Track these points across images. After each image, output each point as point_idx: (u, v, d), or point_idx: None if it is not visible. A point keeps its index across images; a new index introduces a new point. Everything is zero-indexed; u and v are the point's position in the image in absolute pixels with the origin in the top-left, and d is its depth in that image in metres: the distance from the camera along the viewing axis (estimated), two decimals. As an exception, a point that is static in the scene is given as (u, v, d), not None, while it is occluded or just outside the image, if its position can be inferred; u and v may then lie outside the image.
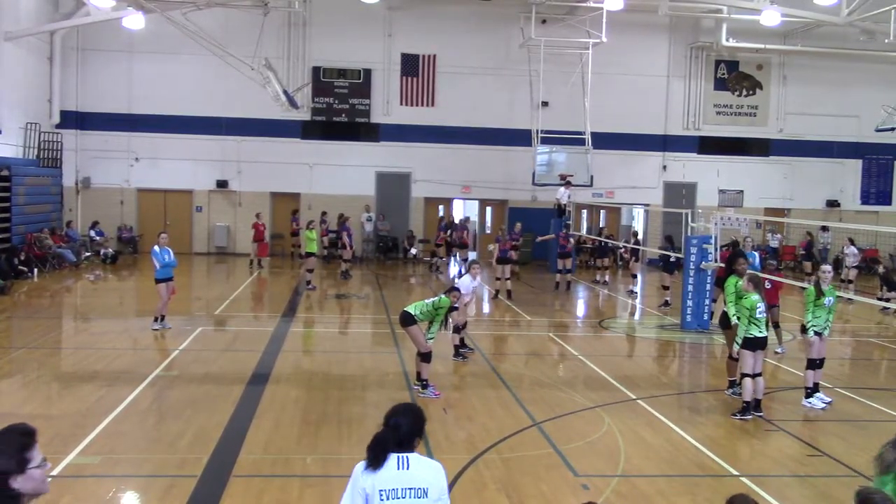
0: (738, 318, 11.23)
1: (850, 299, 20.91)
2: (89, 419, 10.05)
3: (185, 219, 32.14)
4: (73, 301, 22.05)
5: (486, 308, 21.41)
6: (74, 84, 30.74)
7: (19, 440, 3.27)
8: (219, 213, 32.28)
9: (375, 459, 4.16)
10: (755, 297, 11.00)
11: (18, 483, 3.19)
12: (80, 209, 31.12)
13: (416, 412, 4.41)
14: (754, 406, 11.01)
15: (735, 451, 9.77)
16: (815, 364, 11.74)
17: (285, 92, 27.15)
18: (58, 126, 30.17)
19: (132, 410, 10.59)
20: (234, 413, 10.61)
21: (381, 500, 4.10)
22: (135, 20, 27.54)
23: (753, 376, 10.98)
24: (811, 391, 11.73)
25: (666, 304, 21.28)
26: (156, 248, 16.26)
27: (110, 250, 28.90)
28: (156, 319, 16.30)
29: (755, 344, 11.00)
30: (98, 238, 29.62)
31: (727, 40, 32.20)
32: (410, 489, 4.09)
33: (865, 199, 35.40)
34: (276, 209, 32.59)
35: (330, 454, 9.19)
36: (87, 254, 28.63)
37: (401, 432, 4.22)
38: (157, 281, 16.24)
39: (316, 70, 31.94)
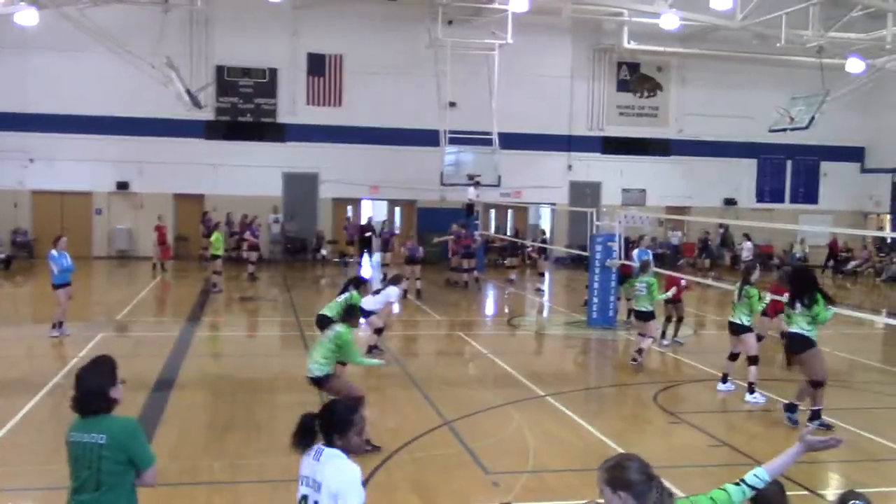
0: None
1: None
2: (-17, 431, 9.65)
3: (84, 222, 31.08)
4: (-36, 308, 21.09)
5: (395, 308, 21.38)
6: (-37, 81, 29.43)
7: (111, 363, 4.58)
8: (119, 216, 31.38)
9: (294, 445, 4.49)
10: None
11: (114, 393, 4.54)
12: (-30, 212, 29.79)
13: (332, 408, 4.52)
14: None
15: (640, 444, 9.98)
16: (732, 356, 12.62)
17: (188, 91, 26.56)
18: (-55, 125, 28.84)
19: (30, 421, 10.21)
20: (138, 420, 10.31)
21: (300, 482, 4.45)
22: (28, 15, 26.43)
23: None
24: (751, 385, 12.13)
25: None
26: (53, 252, 15.65)
27: (3, 255, 27.74)
28: (54, 326, 15.73)
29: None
30: (-10, 242, 28.47)
31: (628, 43, 32.86)
32: (312, 479, 4.36)
33: (760, 198, 36.77)
34: (179, 211, 31.86)
35: (238, 459, 9.04)
36: (-21, 259, 27.45)
37: (322, 425, 4.44)
38: (55, 286, 15.65)
39: (220, 69, 31.35)
